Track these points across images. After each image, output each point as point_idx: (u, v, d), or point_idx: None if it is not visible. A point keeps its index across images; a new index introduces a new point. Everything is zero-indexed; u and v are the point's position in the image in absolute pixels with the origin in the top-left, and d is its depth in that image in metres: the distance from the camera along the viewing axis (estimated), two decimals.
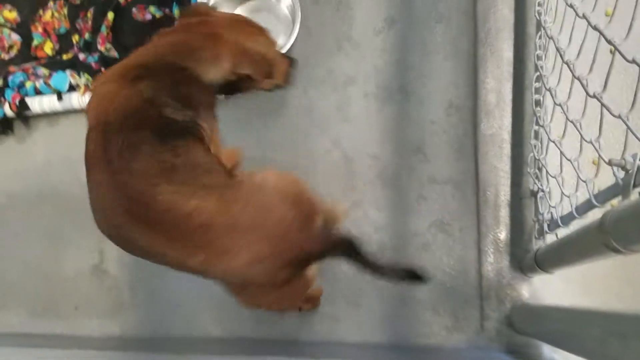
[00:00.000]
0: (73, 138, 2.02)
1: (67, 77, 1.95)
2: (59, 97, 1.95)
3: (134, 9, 1.98)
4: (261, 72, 1.22)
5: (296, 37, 1.77)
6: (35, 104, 1.98)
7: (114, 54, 1.97)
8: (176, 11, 1.95)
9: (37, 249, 2.01)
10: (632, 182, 0.72)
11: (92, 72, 1.95)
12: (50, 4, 2.11)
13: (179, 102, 1.04)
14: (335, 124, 1.79)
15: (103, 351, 1.78)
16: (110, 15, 1.98)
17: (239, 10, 1.94)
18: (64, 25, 2.08)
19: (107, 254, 1.93)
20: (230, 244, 0.90)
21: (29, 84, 1.98)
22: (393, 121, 1.75)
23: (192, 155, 1.01)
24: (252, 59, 1.19)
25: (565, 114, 1.08)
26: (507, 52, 1.62)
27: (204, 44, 1.13)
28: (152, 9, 1.97)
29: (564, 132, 1.10)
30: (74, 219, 1.97)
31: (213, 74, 1.13)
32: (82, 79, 1.94)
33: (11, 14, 2.15)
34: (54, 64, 2.01)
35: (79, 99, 1.93)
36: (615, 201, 0.79)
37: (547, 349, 1.38)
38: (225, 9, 1.89)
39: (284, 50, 1.74)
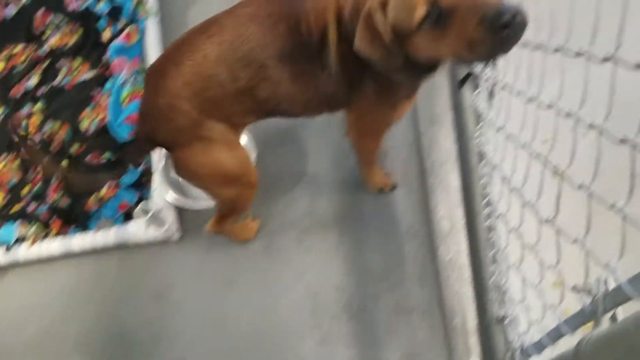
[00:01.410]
0: (20, 293, 1.92)
1: (14, 229, 1.89)
2: (7, 249, 1.87)
3: (88, 157, 1.99)
4: None
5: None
6: None
7: (66, 201, 1.94)
8: None
9: None
10: (600, 308, 0.72)
11: (42, 222, 1.90)
12: (4, 155, 2.09)
13: None
14: (297, 255, 1.77)
15: None
16: (64, 164, 1.98)
17: None
18: (15, 177, 2.05)
19: None
20: None
21: None
22: (354, 250, 1.74)
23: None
24: None
25: (519, 238, 1.10)
26: (454, 181, 1.70)
27: None
28: (106, 155, 1.99)
29: (522, 256, 1.11)
30: None
31: None
32: (32, 229, 1.88)
33: None
34: (1, 217, 1.95)
35: (27, 251, 1.86)
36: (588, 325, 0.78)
37: None
38: None
39: None
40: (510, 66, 1.12)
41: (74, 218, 1.96)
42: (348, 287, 1.70)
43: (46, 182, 1.98)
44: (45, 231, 1.91)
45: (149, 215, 1.63)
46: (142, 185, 1.94)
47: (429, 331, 1.58)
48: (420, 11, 0.91)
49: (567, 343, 0.79)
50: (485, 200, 1.40)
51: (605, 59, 0.71)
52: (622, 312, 0.72)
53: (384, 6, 1.00)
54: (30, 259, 1.88)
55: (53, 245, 1.87)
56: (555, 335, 0.91)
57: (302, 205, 1.85)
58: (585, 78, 0.79)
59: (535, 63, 1.02)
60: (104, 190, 1.95)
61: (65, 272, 1.95)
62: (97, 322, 1.86)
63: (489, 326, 1.33)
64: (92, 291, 1.91)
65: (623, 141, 0.67)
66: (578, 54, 0.79)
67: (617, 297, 0.69)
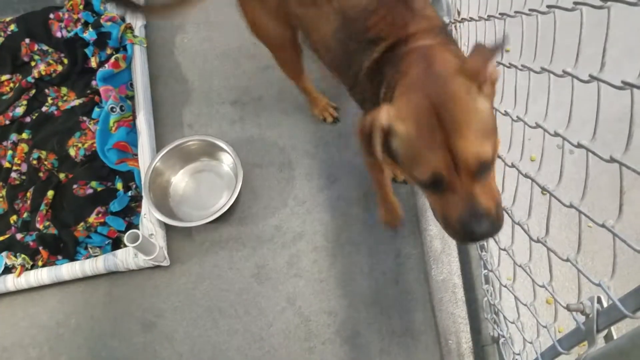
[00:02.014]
0: (7, 323, 1.87)
1: (2, 259, 1.86)
2: None
3: (75, 186, 1.97)
4: None
5: (242, 199, 1.80)
6: None
7: (53, 231, 1.92)
8: (118, 184, 1.95)
9: None
10: (595, 327, 0.72)
11: (29, 252, 1.87)
12: None
13: None
14: (288, 280, 1.76)
15: None
16: (50, 194, 1.96)
17: (182, 172, 1.97)
18: (1, 207, 2.02)
19: None
20: None
21: None
22: (346, 274, 1.73)
23: None
24: None
25: (511, 257, 1.10)
26: None
27: None
28: (93, 184, 1.97)
29: (514, 275, 1.11)
30: None
31: None
32: (19, 260, 1.85)
33: None
34: None
35: (15, 281, 1.82)
36: (583, 345, 0.78)
37: None
38: (167, 172, 1.92)
39: (226, 208, 1.76)
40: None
41: (62, 247, 1.93)
42: (340, 311, 1.68)
43: (33, 211, 1.95)
44: (32, 262, 1.88)
45: (138, 242, 1.61)
46: (130, 211, 1.92)
47: (424, 353, 1.57)
48: (426, 177, 0.88)
49: None
50: None
51: (590, 79, 0.72)
52: (616, 331, 0.72)
53: (384, 131, 0.91)
54: (19, 288, 1.85)
55: (41, 275, 1.84)
56: (551, 354, 0.90)
57: (292, 227, 1.84)
58: (571, 98, 0.80)
59: (521, 83, 1.03)
60: (92, 218, 1.92)
61: (55, 301, 1.91)
62: (87, 353, 1.82)
63: (484, 346, 1.32)
64: (81, 320, 1.88)
65: (612, 160, 0.68)
66: (563, 74, 0.80)
67: (611, 315, 0.69)
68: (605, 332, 0.72)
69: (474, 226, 0.86)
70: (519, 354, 1.09)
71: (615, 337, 0.71)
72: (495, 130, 0.89)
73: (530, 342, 1.01)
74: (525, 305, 1.04)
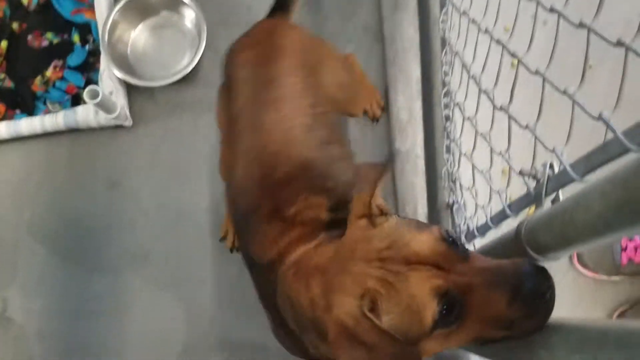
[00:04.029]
0: None
1: None
2: None
3: (29, 36, 1.85)
4: None
5: (205, 60, 1.73)
6: None
7: (9, 83, 1.83)
8: (75, 36, 1.84)
9: None
10: (544, 191, 0.74)
11: None
12: None
13: None
14: None
15: None
16: (4, 44, 1.85)
17: (142, 27, 1.86)
18: None
19: (11, 301, 1.75)
20: None
21: None
22: None
23: None
24: None
25: (474, 127, 1.11)
26: (415, 71, 1.66)
27: None
28: (49, 35, 1.85)
29: (474, 145, 1.13)
30: None
31: None
32: None
33: None
34: None
35: None
36: (530, 209, 0.82)
37: None
38: (126, 26, 1.80)
39: (189, 68, 1.69)
40: None
41: (19, 102, 1.86)
42: None
43: None
44: None
45: (98, 99, 1.55)
46: (89, 67, 1.84)
47: None
48: (432, 309, 0.66)
49: (510, 225, 0.83)
50: (444, 90, 1.39)
51: None
52: (563, 195, 0.75)
53: (373, 310, 0.69)
54: None
55: (0, 129, 1.79)
56: (500, 218, 0.95)
57: None
58: None
59: None
60: (49, 72, 1.84)
61: (15, 157, 1.88)
62: (50, 209, 1.84)
63: (439, 212, 1.38)
64: (44, 177, 1.87)
65: (581, 25, 0.65)
66: None
67: (561, 180, 0.71)
68: (553, 195, 0.75)
69: (537, 281, 0.66)
70: (470, 218, 1.15)
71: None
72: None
73: (482, 207, 1.05)
74: (481, 172, 1.07)
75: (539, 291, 0.65)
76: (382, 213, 0.79)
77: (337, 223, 0.93)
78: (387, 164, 0.82)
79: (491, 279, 0.66)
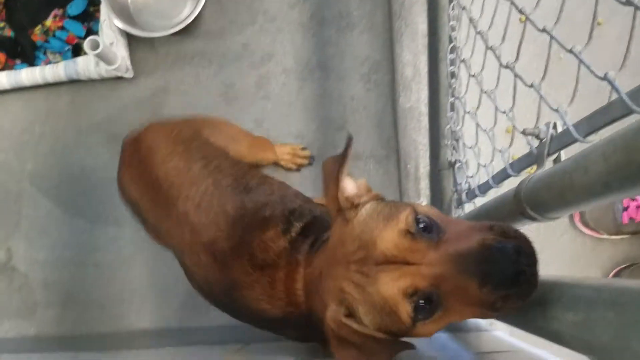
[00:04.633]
0: None
1: None
2: None
3: None
4: None
5: (207, 11, 1.69)
6: None
7: (9, 32, 1.80)
8: None
9: None
10: (546, 150, 0.74)
11: None
12: None
13: None
14: (256, 102, 1.74)
15: (17, 354, 1.67)
16: None
17: None
18: None
19: (15, 251, 1.78)
20: None
21: None
22: (314, 98, 1.72)
23: None
24: None
25: (479, 85, 1.09)
26: (421, 25, 1.63)
27: None
28: None
29: (479, 103, 1.12)
30: None
31: None
32: None
33: None
34: None
35: None
36: (531, 169, 0.81)
37: None
38: None
39: (191, 19, 1.66)
40: None
41: (19, 51, 1.84)
42: (307, 134, 1.70)
43: None
44: None
45: (99, 50, 1.53)
46: (89, 16, 1.80)
47: (384, 176, 1.64)
48: (405, 309, 0.69)
49: (512, 185, 0.83)
50: (450, 46, 1.36)
51: None
52: (565, 155, 0.74)
53: (348, 316, 0.75)
54: None
55: (1, 79, 1.77)
56: (501, 177, 0.95)
57: (261, 46, 1.76)
58: None
59: None
60: (49, 21, 1.80)
61: (17, 108, 1.88)
62: (52, 161, 1.84)
63: (441, 170, 1.38)
64: (46, 128, 1.87)
65: None
66: None
67: (563, 139, 0.71)
68: (555, 155, 0.75)
69: (505, 267, 0.63)
70: (472, 177, 1.15)
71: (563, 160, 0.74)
72: None
73: (484, 166, 1.05)
74: (484, 131, 1.06)
75: (510, 272, 0.62)
76: (353, 205, 0.80)
77: (302, 233, 0.98)
78: (346, 150, 0.81)
79: (459, 266, 0.65)
